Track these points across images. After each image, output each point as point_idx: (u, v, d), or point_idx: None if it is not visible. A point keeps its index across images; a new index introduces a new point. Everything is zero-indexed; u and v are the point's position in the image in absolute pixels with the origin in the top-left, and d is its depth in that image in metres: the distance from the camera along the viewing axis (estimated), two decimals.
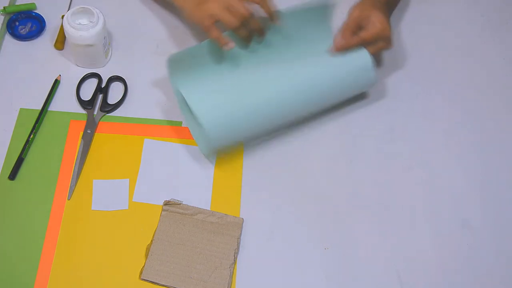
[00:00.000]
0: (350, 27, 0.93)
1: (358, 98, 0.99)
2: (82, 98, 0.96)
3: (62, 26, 1.02)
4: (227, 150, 0.93)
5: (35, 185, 0.89)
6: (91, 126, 0.94)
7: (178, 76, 0.90)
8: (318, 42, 0.93)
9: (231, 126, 0.88)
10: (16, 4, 1.05)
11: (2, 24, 1.01)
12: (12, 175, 0.89)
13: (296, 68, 0.90)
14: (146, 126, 0.95)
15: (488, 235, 0.91)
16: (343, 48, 0.92)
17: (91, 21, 0.93)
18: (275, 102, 0.89)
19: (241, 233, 0.87)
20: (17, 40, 1.01)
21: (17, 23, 1.03)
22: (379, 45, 0.94)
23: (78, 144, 0.92)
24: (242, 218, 0.88)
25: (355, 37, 0.93)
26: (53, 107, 0.96)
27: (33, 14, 1.03)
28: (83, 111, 0.96)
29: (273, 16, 0.90)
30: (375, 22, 0.92)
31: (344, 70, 0.92)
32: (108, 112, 0.96)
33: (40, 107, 0.95)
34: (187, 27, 1.04)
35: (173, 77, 0.90)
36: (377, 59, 1.03)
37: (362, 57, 0.92)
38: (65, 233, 0.86)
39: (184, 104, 0.90)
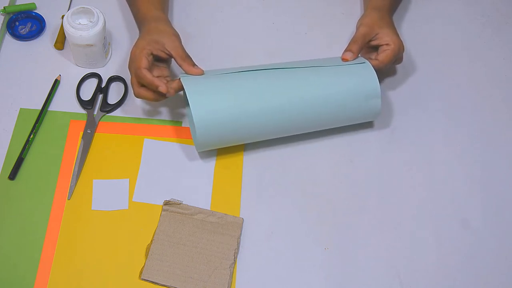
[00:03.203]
0: (357, 42, 0.93)
1: None
2: (82, 98, 0.96)
3: (62, 26, 1.02)
4: (216, 146, 0.90)
5: (35, 185, 0.89)
6: (91, 126, 0.94)
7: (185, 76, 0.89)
8: (330, 66, 0.92)
9: (220, 117, 0.85)
10: (16, 4, 1.05)
11: (2, 24, 1.01)
12: (12, 175, 0.89)
13: (302, 89, 0.88)
14: (146, 126, 0.95)
15: (488, 235, 0.91)
16: (351, 59, 0.92)
17: (91, 21, 0.93)
18: (269, 113, 0.87)
19: (241, 233, 0.87)
20: (17, 40, 1.01)
21: (17, 23, 1.03)
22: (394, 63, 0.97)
23: (78, 144, 0.92)
24: (242, 218, 0.88)
25: (373, 60, 0.93)
26: (53, 107, 0.96)
27: (33, 14, 1.03)
28: (83, 111, 0.96)
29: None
30: (390, 43, 0.93)
31: (351, 99, 0.90)
32: (108, 112, 0.96)
33: (40, 107, 0.95)
34: (187, 27, 1.04)
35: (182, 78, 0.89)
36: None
37: (372, 89, 0.90)
38: (65, 233, 0.86)
39: (186, 100, 0.90)
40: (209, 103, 0.85)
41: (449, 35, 1.09)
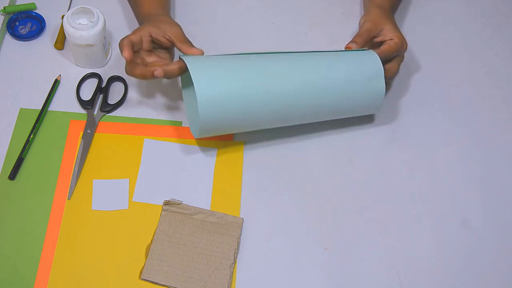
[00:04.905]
0: (362, 36, 0.93)
1: None
2: (82, 98, 0.96)
3: (62, 26, 1.02)
4: (217, 132, 0.88)
5: (35, 185, 0.89)
6: (91, 126, 0.94)
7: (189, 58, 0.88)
8: (335, 56, 0.92)
9: (223, 101, 0.84)
10: (16, 4, 1.05)
11: (2, 24, 1.01)
12: (12, 175, 0.89)
13: (307, 69, 0.88)
14: (146, 126, 0.95)
15: (488, 235, 0.91)
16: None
17: (91, 21, 0.93)
18: (274, 93, 0.86)
19: (241, 233, 0.87)
20: (17, 40, 1.01)
21: (17, 23, 1.03)
22: (397, 60, 0.96)
23: (78, 144, 0.92)
24: (242, 218, 0.88)
25: (376, 50, 0.93)
26: (53, 107, 0.96)
27: (33, 14, 1.03)
28: (83, 111, 0.96)
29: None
30: (394, 38, 0.93)
31: (356, 87, 0.90)
32: (108, 112, 0.96)
33: (40, 107, 0.95)
34: (187, 27, 1.04)
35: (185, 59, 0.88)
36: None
37: (377, 79, 0.90)
38: (65, 233, 0.86)
39: (186, 85, 0.92)
40: (212, 80, 0.84)
41: (449, 35, 1.09)
